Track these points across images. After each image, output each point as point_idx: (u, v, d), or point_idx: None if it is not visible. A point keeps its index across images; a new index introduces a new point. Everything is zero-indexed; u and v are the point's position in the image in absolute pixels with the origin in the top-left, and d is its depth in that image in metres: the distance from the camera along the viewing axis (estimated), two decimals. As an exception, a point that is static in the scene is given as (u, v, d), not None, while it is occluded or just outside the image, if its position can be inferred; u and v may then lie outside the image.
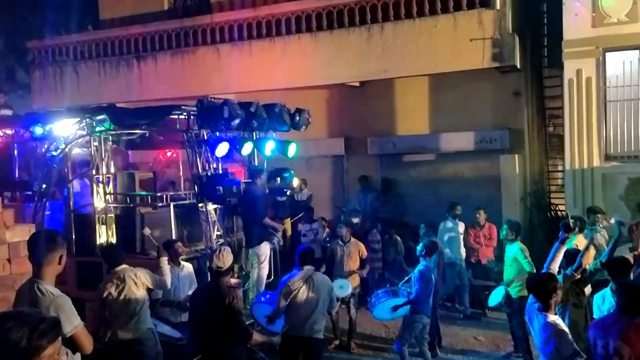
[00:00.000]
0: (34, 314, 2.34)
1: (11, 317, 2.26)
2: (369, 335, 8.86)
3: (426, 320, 7.16)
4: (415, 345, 7.33)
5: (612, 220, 8.18)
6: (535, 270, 7.42)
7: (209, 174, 7.82)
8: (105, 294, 5.77)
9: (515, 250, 7.55)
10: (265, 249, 8.16)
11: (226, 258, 5.33)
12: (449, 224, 9.95)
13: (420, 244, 7.44)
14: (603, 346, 4.17)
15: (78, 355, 3.85)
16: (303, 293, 5.83)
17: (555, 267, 5.25)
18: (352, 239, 8.63)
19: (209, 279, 5.60)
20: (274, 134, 8.95)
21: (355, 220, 10.51)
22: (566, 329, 4.43)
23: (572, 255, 5.88)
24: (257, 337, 5.46)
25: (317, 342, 5.97)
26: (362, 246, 8.63)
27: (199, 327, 5.25)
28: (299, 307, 5.83)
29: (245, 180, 8.75)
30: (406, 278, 7.84)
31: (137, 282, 5.79)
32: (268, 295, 7.25)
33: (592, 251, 6.91)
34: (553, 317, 4.43)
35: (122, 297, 5.73)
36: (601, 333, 4.22)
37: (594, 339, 4.27)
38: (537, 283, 4.67)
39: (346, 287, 8.19)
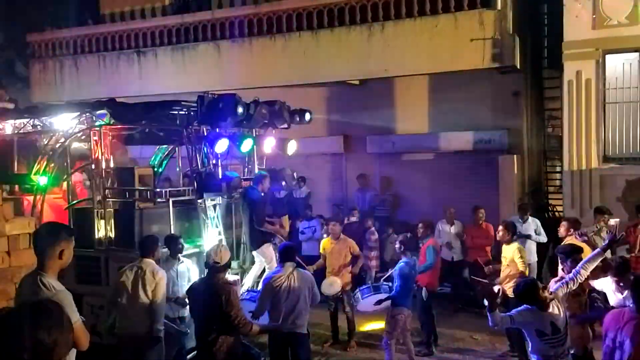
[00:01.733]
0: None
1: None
2: (365, 332, 8.88)
3: (407, 312, 7.31)
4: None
5: (611, 222, 8.23)
6: (528, 272, 7.49)
7: (208, 170, 7.83)
8: (122, 279, 5.92)
9: (512, 251, 7.58)
10: (268, 251, 8.17)
11: (224, 254, 5.36)
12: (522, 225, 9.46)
13: (397, 242, 7.50)
14: (612, 338, 4.25)
15: (73, 350, 3.86)
16: (285, 289, 5.94)
17: (585, 273, 5.27)
18: (342, 236, 8.63)
19: (206, 274, 5.63)
20: (273, 131, 8.96)
21: (353, 218, 10.53)
22: None
23: (570, 252, 5.93)
24: (256, 329, 5.54)
25: (301, 336, 6.07)
26: (352, 243, 8.63)
27: (196, 320, 5.29)
28: (281, 303, 5.95)
29: (245, 178, 8.75)
30: (387, 274, 7.92)
31: (152, 280, 5.91)
32: (253, 293, 7.28)
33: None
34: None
35: (135, 289, 5.85)
36: (615, 325, 4.28)
37: (607, 329, 4.35)
38: (520, 291, 4.93)
39: (336, 284, 8.22)
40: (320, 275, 8.93)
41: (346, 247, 8.48)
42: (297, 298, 5.97)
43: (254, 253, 8.14)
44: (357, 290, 7.94)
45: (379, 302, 7.38)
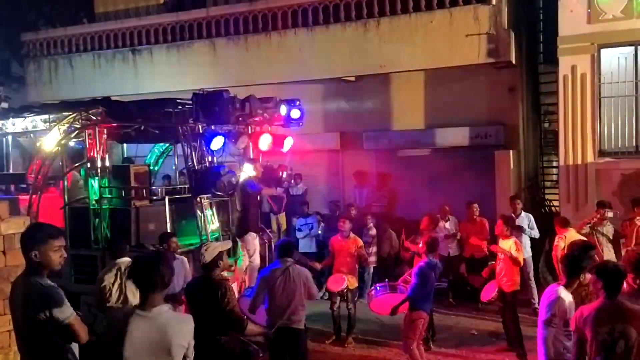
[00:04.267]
0: None
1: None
2: (364, 329, 8.88)
3: (425, 316, 7.09)
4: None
5: (609, 214, 8.34)
6: (523, 267, 7.51)
7: (204, 167, 7.83)
8: (103, 284, 5.82)
9: (509, 246, 7.60)
10: (252, 242, 8.16)
11: (206, 253, 5.31)
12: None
13: (422, 242, 7.32)
14: (608, 332, 4.14)
15: (75, 345, 3.88)
16: (280, 284, 5.94)
17: None
18: (352, 234, 8.63)
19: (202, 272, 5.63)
20: (269, 128, 8.94)
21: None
22: None
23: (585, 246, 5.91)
24: (253, 328, 5.50)
25: (297, 332, 6.07)
26: (360, 242, 8.64)
27: (192, 317, 5.28)
28: (277, 298, 5.95)
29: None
30: (405, 274, 7.83)
31: None
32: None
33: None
34: None
35: (120, 289, 5.77)
36: (607, 318, 4.16)
37: (597, 325, 4.18)
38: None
39: (342, 281, 8.21)
40: (327, 272, 8.97)
41: (355, 245, 8.48)
42: (293, 293, 5.97)
43: (238, 241, 8.17)
44: (372, 288, 7.89)
45: (395, 309, 7.09)
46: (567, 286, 4.62)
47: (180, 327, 3.58)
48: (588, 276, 4.64)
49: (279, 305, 5.95)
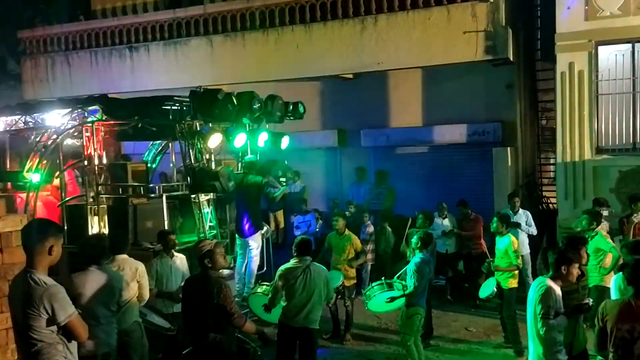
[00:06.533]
0: None
1: None
2: (362, 326, 8.89)
3: (423, 312, 7.07)
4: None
5: (605, 212, 8.35)
6: (522, 264, 7.50)
7: (202, 165, 7.82)
8: None
9: (506, 243, 7.60)
10: (259, 239, 8.16)
11: (196, 251, 5.28)
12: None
13: (415, 237, 7.32)
14: (629, 330, 4.17)
15: (74, 343, 3.86)
16: (300, 283, 5.87)
17: None
18: (347, 231, 8.62)
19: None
20: (267, 126, 8.94)
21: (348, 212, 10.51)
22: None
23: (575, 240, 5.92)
24: (250, 326, 5.47)
25: (312, 331, 6.02)
26: (356, 239, 8.63)
27: (190, 315, 5.26)
28: (296, 297, 5.88)
29: (238, 172, 8.73)
30: (401, 271, 7.80)
31: (132, 275, 5.80)
32: (265, 286, 7.26)
33: None
34: None
35: None
36: (627, 317, 4.19)
37: (617, 321, 4.23)
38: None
39: (338, 278, 8.20)
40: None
41: (350, 242, 8.48)
42: (312, 292, 5.90)
43: (241, 241, 8.13)
44: (369, 287, 7.88)
45: (392, 298, 7.05)
46: (553, 278, 4.66)
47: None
48: (575, 269, 4.70)
49: (297, 304, 5.89)
